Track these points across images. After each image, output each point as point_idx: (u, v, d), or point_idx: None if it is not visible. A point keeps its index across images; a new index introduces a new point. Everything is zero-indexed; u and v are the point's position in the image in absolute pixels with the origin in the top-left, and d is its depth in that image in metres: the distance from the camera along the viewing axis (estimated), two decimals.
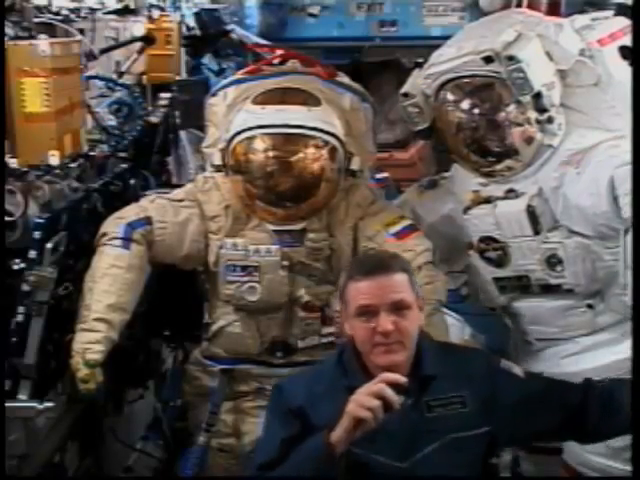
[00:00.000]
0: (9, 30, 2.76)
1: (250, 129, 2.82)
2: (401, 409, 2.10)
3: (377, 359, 2.19)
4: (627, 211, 2.42)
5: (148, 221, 2.84)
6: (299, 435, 2.19)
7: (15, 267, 2.55)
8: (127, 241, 2.79)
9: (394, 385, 2.07)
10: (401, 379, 2.09)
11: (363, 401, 2.05)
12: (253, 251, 2.85)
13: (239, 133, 2.84)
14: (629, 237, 2.38)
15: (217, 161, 2.94)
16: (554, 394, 2.32)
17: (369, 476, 2.18)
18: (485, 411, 2.26)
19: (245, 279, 2.85)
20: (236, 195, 2.90)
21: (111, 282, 2.71)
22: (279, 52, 3.30)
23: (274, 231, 2.88)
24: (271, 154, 2.82)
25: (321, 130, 2.82)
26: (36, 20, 3.01)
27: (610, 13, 3.08)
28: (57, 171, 2.78)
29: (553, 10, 3.47)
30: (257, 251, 2.84)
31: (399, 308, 2.20)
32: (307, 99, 2.86)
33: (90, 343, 2.60)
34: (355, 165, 2.91)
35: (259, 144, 2.83)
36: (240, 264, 2.85)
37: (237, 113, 2.90)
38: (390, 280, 2.22)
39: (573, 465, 2.80)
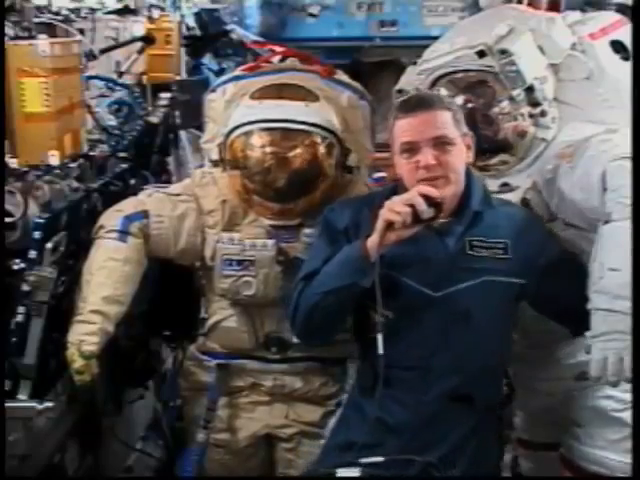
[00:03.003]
0: (9, 30, 2.76)
1: (247, 124, 2.82)
2: (439, 245, 2.31)
3: None
4: (610, 206, 2.42)
5: (145, 214, 2.85)
6: None
7: (15, 267, 2.55)
8: (124, 234, 2.78)
9: (427, 198, 2.22)
10: (434, 192, 2.24)
11: (394, 206, 2.23)
12: (249, 245, 2.84)
13: (236, 128, 2.84)
14: (605, 228, 2.36)
15: (215, 156, 2.94)
16: (579, 272, 2.37)
17: (398, 299, 2.26)
18: (524, 264, 2.36)
19: (241, 273, 2.84)
20: (233, 190, 2.90)
21: (108, 274, 2.71)
22: (278, 49, 3.31)
23: (271, 226, 2.88)
24: (268, 149, 2.81)
25: (319, 126, 2.81)
26: (36, 20, 3.00)
27: (610, 13, 3.08)
28: (57, 171, 2.78)
29: (553, 10, 3.46)
30: (253, 245, 2.84)
31: (441, 143, 2.29)
32: (305, 95, 2.86)
33: (86, 335, 2.60)
34: (352, 162, 2.91)
35: (256, 139, 2.82)
36: (236, 258, 2.84)
37: (235, 108, 2.90)
38: (431, 116, 2.31)
39: (571, 458, 2.80)
